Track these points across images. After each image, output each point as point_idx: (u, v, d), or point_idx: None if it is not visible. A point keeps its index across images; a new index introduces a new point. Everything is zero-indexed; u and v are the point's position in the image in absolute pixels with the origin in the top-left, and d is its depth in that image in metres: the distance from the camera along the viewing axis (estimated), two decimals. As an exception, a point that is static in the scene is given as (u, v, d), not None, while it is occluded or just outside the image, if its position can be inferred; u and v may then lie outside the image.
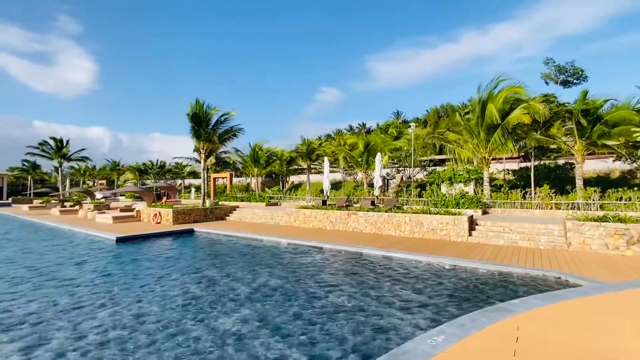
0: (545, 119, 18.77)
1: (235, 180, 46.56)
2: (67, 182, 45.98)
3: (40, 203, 33.31)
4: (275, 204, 24.72)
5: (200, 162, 40.54)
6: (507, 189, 19.92)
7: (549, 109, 18.57)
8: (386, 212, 14.41)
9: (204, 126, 21.21)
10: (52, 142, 40.53)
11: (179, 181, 57.17)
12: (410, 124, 25.36)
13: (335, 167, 37.17)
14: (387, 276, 8.03)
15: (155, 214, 18.37)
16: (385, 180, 30.59)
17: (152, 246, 12.62)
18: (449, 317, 5.30)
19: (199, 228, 16.17)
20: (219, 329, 5.16)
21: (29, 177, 54.83)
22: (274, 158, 39.68)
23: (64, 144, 40.67)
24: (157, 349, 4.52)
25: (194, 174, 56.60)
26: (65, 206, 28.43)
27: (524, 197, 17.25)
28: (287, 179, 46.78)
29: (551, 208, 15.37)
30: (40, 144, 40.71)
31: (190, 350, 4.49)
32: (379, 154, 18.46)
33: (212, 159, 39.30)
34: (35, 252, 11.60)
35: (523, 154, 26.91)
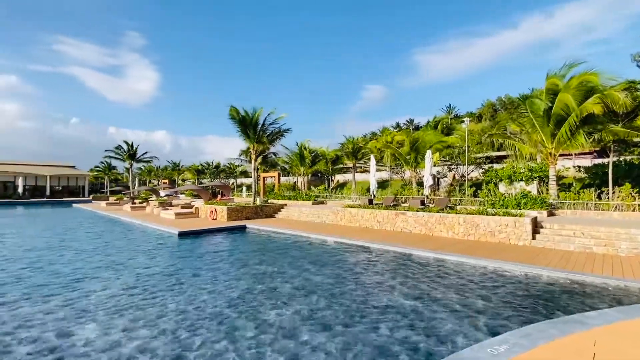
0: (629, 110, 16.42)
1: (282, 179, 48.06)
2: (136, 181, 51.31)
3: (115, 200, 37.60)
4: (321, 203, 25.02)
5: (250, 162, 42.53)
6: (577, 188, 17.86)
7: (632, 98, 16.20)
8: (437, 212, 13.80)
9: (251, 128, 22.21)
10: (124, 146, 45.58)
11: (231, 180, 60.58)
12: (464, 119, 23.91)
13: (381, 165, 36.53)
14: (439, 278, 7.71)
15: (212, 211, 19.70)
16: (436, 179, 29.28)
17: (210, 240, 13.57)
18: (510, 327, 4.94)
19: (251, 225, 16.99)
20: (270, 321, 5.39)
21: (106, 177, 62.25)
22: (320, 157, 40.18)
23: (134, 148, 45.43)
24: (210, 327, 4.88)
25: (245, 174, 59.55)
26: (135, 203, 31.75)
27: (599, 197, 15.32)
28: (333, 178, 47.04)
29: (634, 210, 13.45)
30: (115, 148, 46.02)
31: (238, 336, 4.76)
32: (429, 151, 17.73)
33: (260, 159, 41.09)
34: (116, 243, 13.15)
35: (598, 148, 23.87)
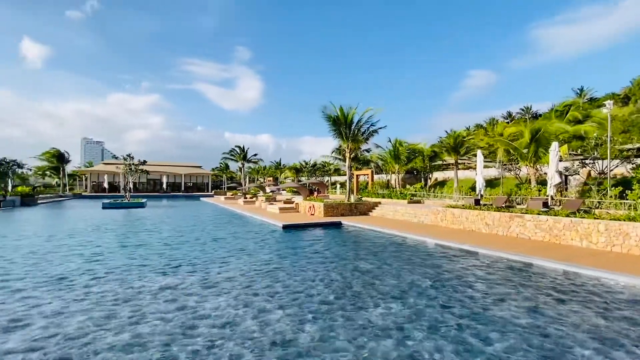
0: None
1: (375, 177, 47.55)
2: (247, 179, 58.38)
3: (231, 195, 43.58)
4: (418, 202, 23.77)
5: (343, 161, 43.38)
6: None
7: None
8: (567, 216, 11.49)
9: (346, 127, 22.56)
10: (237, 149, 52.41)
11: (326, 178, 63.14)
12: (605, 102, 19.19)
13: (489, 161, 32.50)
14: (571, 294, 6.40)
15: (310, 207, 20.91)
16: (564, 177, 24.41)
17: (310, 234, 14.43)
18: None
19: (346, 221, 17.37)
20: (367, 317, 5.38)
21: (223, 175, 72.80)
22: (416, 154, 38.21)
23: (245, 150, 51.80)
24: (307, 309, 5.14)
25: (338, 172, 61.20)
26: (246, 198, 36.19)
27: None
28: (430, 176, 44.17)
29: None
30: (230, 150, 53.39)
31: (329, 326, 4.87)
32: (554, 144, 14.89)
33: (352, 156, 41.53)
34: (233, 230, 15.27)
35: None
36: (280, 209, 22.71)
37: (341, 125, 22.53)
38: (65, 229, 15.67)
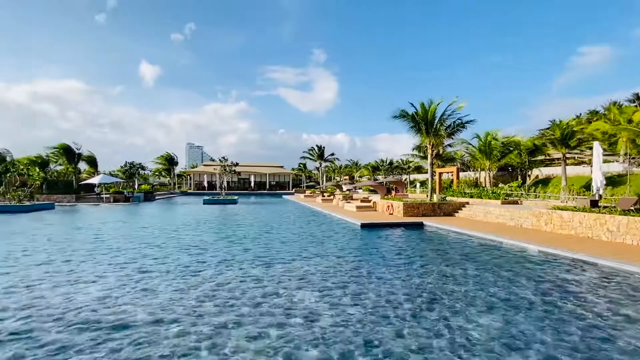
0: None
1: (461, 174, 43.74)
2: (324, 178, 60.03)
3: (310, 193, 45.39)
4: (514, 202, 20.98)
5: (423, 158, 41.06)
6: None
7: None
8: None
9: (426, 123, 21.23)
10: (315, 149, 54.30)
11: (404, 176, 60.79)
12: None
13: (610, 154, 26.88)
14: None
15: (389, 206, 20.36)
16: None
17: (389, 233, 14.05)
18: None
19: (428, 222, 16.38)
20: (465, 327, 4.91)
21: (302, 174, 76.25)
22: (510, 148, 33.82)
23: (322, 149, 53.34)
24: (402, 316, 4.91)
25: (418, 169, 58.22)
26: (324, 196, 37.22)
27: None
28: (529, 173, 38.62)
29: None
30: (308, 150, 55.64)
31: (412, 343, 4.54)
32: None
33: (434, 153, 38.87)
34: (314, 227, 15.86)
35: None
36: (358, 207, 22.68)
37: (421, 121, 21.33)
38: (181, 221, 18.45)
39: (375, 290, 6.70)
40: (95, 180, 37.02)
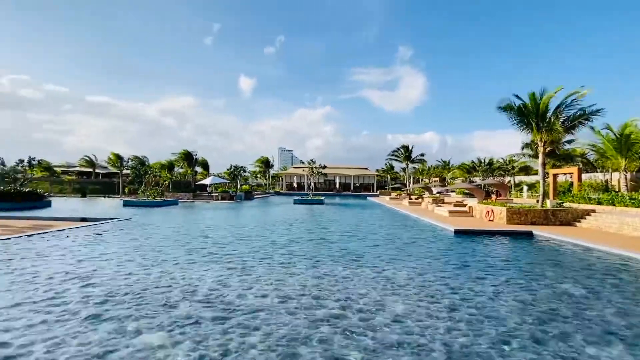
0: None
1: (583, 176, 36.31)
2: (411, 179, 57.44)
3: (395, 195, 44.03)
4: (668, 212, 16.37)
5: (534, 157, 35.46)
6: None
7: None
8: None
9: (537, 116, 18.27)
10: (401, 149, 52.46)
11: (507, 178, 53.68)
12: None
13: None
14: None
15: (488, 211, 18.28)
16: None
17: (488, 242, 12.61)
18: None
19: (540, 232, 14.10)
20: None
21: (387, 175, 74.48)
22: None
23: (409, 149, 51.17)
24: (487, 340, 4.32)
25: (526, 170, 50.71)
26: (411, 199, 35.62)
27: None
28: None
29: None
30: (394, 151, 54.07)
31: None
32: None
33: (546, 151, 33.01)
34: (400, 231, 15.37)
35: None
36: (450, 211, 21.00)
37: (530, 114, 18.52)
38: (281, 218, 20.20)
39: (483, 315, 6.06)
40: (207, 181, 43.32)
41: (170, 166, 52.10)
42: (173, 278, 7.29)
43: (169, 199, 33.11)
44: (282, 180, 72.73)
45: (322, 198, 37.52)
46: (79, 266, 8.14)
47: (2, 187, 26.58)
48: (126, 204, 29.42)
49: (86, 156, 65.21)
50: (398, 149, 53.50)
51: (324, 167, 40.56)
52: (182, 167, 52.66)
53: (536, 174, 48.19)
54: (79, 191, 51.18)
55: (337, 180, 63.29)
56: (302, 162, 58.17)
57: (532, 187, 39.68)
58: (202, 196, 42.06)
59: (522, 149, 39.09)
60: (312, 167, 39.18)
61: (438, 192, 38.86)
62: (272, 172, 73.97)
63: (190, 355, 3.98)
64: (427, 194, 38.80)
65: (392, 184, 70.95)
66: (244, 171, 56.72)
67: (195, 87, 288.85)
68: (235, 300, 5.92)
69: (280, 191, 66.06)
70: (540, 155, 19.33)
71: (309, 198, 36.63)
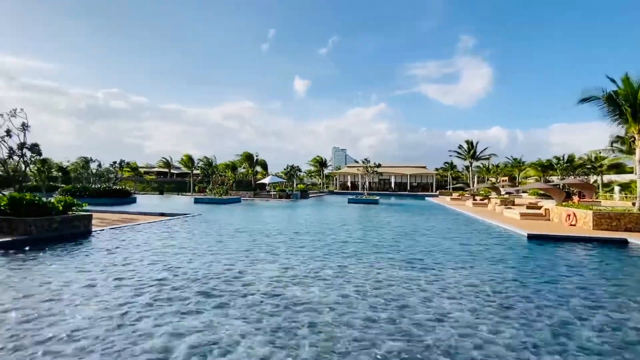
0: None
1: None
2: (475, 179, 53.38)
3: (457, 196, 41.34)
4: None
5: (625, 152, 30.37)
6: None
7: None
8: None
9: (627, 105, 15.57)
10: (465, 145, 49.04)
11: (592, 177, 46.84)
12: None
13: None
14: None
15: (569, 215, 16.18)
16: None
17: (570, 250, 11.16)
18: None
19: (637, 240, 12.04)
20: None
21: (448, 174, 70.27)
22: None
23: (474, 146, 47.61)
24: None
25: (616, 168, 43.72)
26: (475, 199, 33.11)
27: None
28: None
29: None
30: (457, 148, 50.78)
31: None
32: None
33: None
34: (464, 234, 14.41)
35: None
36: (522, 214, 19.04)
37: (623, 102, 15.90)
38: (340, 217, 20.48)
39: (553, 329, 5.36)
40: (266, 180, 45.56)
41: (233, 166, 55.98)
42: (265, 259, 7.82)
43: (233, 197, 35.59)
44: (336, 179, 73.22)
45: (377, 198, 36.87)
46: (168, 252, 9.21)
47: (99, 185, 31.22)
48: (196, 201, 32.35)
49: (163, 158, 73.38)
50: (460, 145, 50.09)
51: (379, 165, 39.83)
52: (243, 167, 56.24)
53: (630, 172, 40.90)
54: (157, 189, 57.73)
55: (393, 180, 61.58)
56: (356, 162, 57.88)
57: (625, 187, 34.07)
58: (262, 195, 44.35)
59: (612, 143, 33.81)
60: (366, 166, 38.75)
61: (507, 193, 35.48)
62: (326, 171, 74.93)
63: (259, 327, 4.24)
64: (493, 194, 35.71)
65: (453, 184, 66.79)
66: (300, 171, 58.39)
67: (253, 91, 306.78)
68: (285, 292, 6.14)
69: (335, 190, 66.57)
70: (638, 151, 16.48)
71: (364, 197, 36.29)
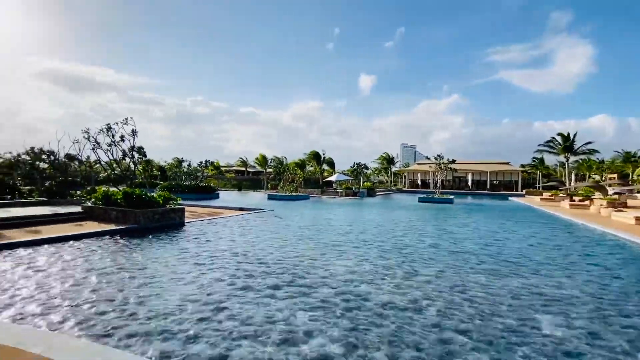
0: None
1: None
2: (572, 176, 45.97)
3: (549, 195, 36.12)
4: None
5: None
6: None
7: None
8: None
9: None
10: (558, 138, 42.57)
11: None
12: None
13: None
14: None
15: None
16: None
17: None
18: None
19: None
20: None
21: (537, 171, 61.82)
22: None
23: (571, 139, 41.03)
24: None
25: None
26: (573, 200, 28.50)
27: None
28: None
29: None
30: (547, 141, 44.35)
31: None
32: None
33: None
34: (562, 242, 12.52)
35: None
36: (637, 218, 15.75)
37: None
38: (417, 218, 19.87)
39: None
40: (333, 178, 46.25)
41: (302, 165, 58.17)
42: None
43: (302, 194, 37.00)
44: (405, 177, 70.44)
45: (452, 197, 34.36)
46: (250, 241, 10.08)
47: (189, 182, 35.46)
48: (270, 197, 34.48)
49: (241, 158, 79.94)
50: (553, 138, 43.45)
51: (453, 161, 37.03)
52: (311, 166, 57.96)
53: None
54: (236, 186, 63.12)
55: (469, 178, 56.58)
56: (428, 158, 54.65)
57: None
58: (329, 192, 45.13)
59: None
60: (439, 163, 36.42)
61: (616, 193, 29.75)
62: (394, 169, 72.68)
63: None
64: (598, 194, 30.25)
65: (543, 182, 58.70)
66: (366, 168, 57.81)
67: (320, 91, 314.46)
68: (352, 289, 6.10)
69: (403, 189, 64.17)
70: None
71: (436, 197, 34.20)
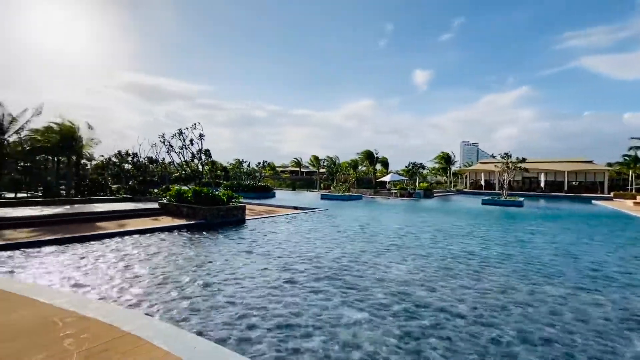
0: None
1: None
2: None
3: (647, 199, 30.76)
4: None
5: None
6: None
7: None
8: None
9: None
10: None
11: None
12: None
13: None
14: None
15: None
16: None
17: None
18: None
19: None
20: None
21: (630, 171, 53.05)
22: None
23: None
24: None
25: None
26: (681, 205, 23.85)
27: None
28: None
29: None
30: (644, 135, 37.73)
31: None
32: None
33: None
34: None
35: None
36: None
37: None
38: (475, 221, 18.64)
39: None
40: (386, 178, 45.18)
41: (354, 165, 57.87)
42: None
43: (354, 194, 36.80)
44: (466, 177, 65.77)
45: (521, 200, 31.19)
46: (306, 238, 10.38)
47: (249, 182, 37.56)
48: (323, 197, 34.93)
49: (295, 158, 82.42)
50: (651, 132, 36.97)
51: (523, 160, 33.54)
52: (364, 166, 57.36)
53: None
54: (290, 186, 65.18)
55: (542, 178, 50.69)
56: (492, 156, 50.20)
57: None
58: (382, 193, 44.16)
59: None
60: (506, 162, 33.32)
61: None
62: (453, 168, 68.40)
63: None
64: None
65: (637, 183, 50.30)
66: (423, 168, 55.36)
67: (372, 90, 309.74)
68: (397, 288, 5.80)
69: (464, 190, 60.03)
70: None
71: (502, 199, 31.32)
